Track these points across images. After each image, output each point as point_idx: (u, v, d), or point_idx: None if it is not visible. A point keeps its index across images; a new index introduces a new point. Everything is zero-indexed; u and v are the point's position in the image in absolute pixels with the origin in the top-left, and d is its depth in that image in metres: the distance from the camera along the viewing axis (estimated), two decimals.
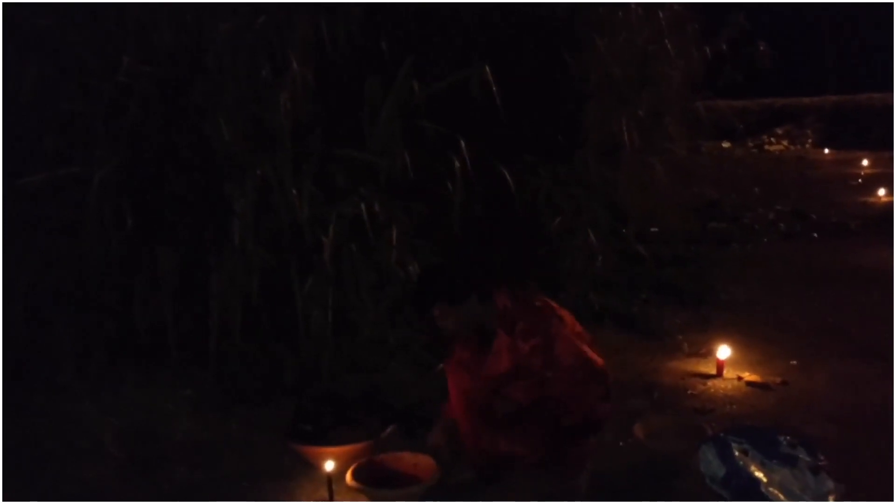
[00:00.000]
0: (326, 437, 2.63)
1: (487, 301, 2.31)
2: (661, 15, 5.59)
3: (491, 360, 2.30)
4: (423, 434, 2.82)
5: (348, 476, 2.39)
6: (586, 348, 2.27)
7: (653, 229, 5.65)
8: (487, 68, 3.75)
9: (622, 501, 2.40)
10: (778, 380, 3.29)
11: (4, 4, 3.07)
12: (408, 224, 3.66)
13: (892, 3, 8.08)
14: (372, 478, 2.40)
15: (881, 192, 7.86)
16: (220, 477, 2.68)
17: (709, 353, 3.57)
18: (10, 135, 3.07)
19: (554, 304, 2.37)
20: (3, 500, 1.98)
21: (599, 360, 2.28)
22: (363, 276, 3.51)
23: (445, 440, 2.47)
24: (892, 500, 1.96)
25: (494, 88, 3.74)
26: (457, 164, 3.72)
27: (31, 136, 3.18)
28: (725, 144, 9.69)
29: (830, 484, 2.12)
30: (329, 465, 2.43)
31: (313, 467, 2.58)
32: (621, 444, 2.69)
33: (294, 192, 3.24)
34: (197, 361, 3.20)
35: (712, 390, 3.25)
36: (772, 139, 12.50)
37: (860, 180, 9.10)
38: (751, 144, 11.78)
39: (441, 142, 3.78)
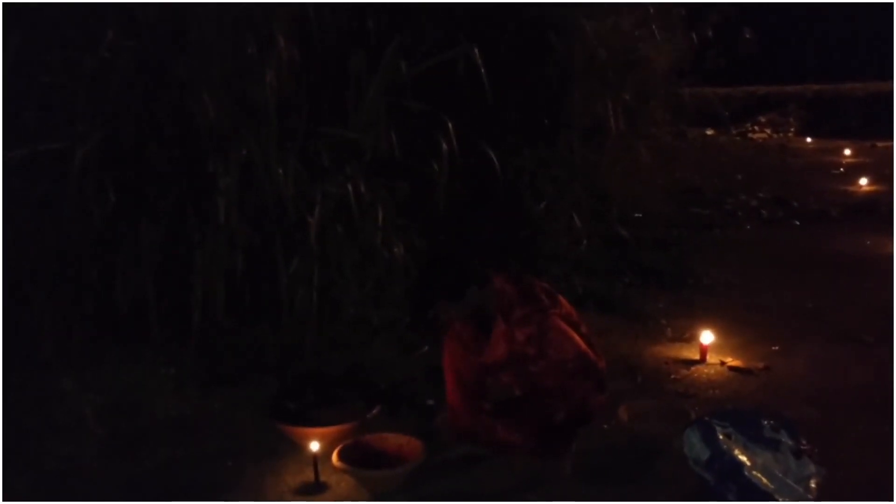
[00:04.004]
0: (311, 417, 2.63)
1: (486, 286, 2.32)
2: None
3: (488, 347, 2.31)
4: (408, 414, 2.83)
5: (334, 456, 2.38)
6: (580, 340, 2.28)
7: (636, 214, 5.66)
8: (475, 49, 3.72)
9: (605, 482, 2.43)
10: (760, 364, 3.32)
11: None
12: (392, 204, 3.64)
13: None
14: (358, 458, 2.40)
15: (862, 181, 7.93)
16: (203, 455, 2.66)
17: (692, 338, 3.59)
18: None
19: (552, 291, 2.37)
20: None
21: (592, 353, 2.29)
22: (347, 255, 3.50)
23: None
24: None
25: (481, 69, 3.72)
26: (442, 144, 3.70)
27: (10, 110, 3.12)
28: (709, 131, 9.71)
29: (812, 467, 2.14)
30: (315, 446, 2.43)
31: (298, 446, 2.57)
32: (605, 426, 2.70)
33: (279, 170, 3.21)
34: (179, 339, 3.17)
35: (695, 374, 3.27)
36: (755, 127, 12.54)
37: (842, 169, 9.17)
38: (734, 132, 11.81)
39: (426, 122, 3.76)
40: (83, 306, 3.21)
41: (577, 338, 2.26)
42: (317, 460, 2.44)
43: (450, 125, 3.71)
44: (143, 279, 3.13)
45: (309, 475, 2.46)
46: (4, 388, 2.88)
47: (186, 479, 2.52)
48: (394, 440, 2.51)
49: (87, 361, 3.08)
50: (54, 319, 3.13)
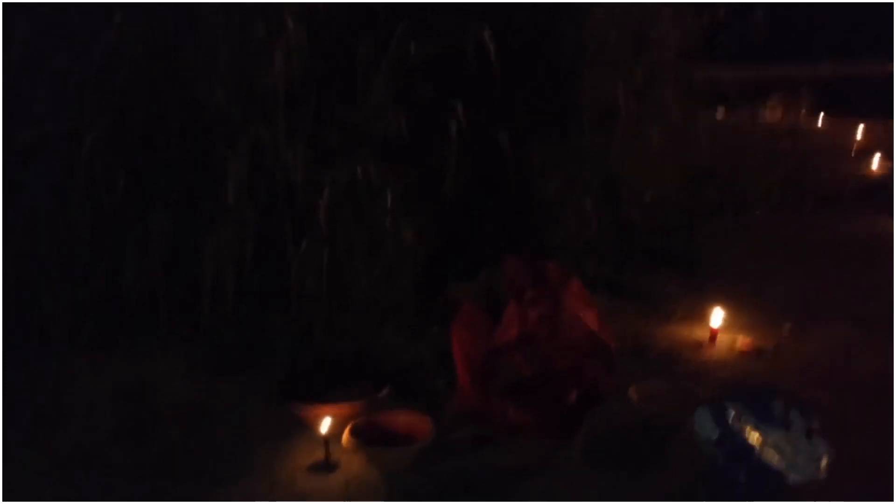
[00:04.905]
0: (322, 398, 2.64)
1: (498, 269, 2.32)
2: None
3: (500, 329, 2.31)
4: (417, 395, 2.84)
5: (345, 435, 2.40)
6: (592, 321, 2.28)
7: (646, 197, 5.63)
8: (485, 32, 3.70)
9: (615, 462, 2.43)
10: (770, 346, 3.31)
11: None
12: (401, 189, 3.64)
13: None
14: (369, 437, 2.42)
15: (875, 162, 7.86)
16: (214, 438, 2.68)
17: (702, 320, 3.58)
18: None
19: (564, 272, 2.37)
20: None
21: (605, 333, 2.29)
22: (356, 240, 3.50)
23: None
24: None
25: (491, 52, 3.70)
26: (451, 129, 3.68)
27: (19, 94, 3.13)
28: (720, 113, 9.63)
29: (823, 447, 2.14)
30: (325, 425, 2.44)
31: (309, 428, 2.58)
32: (615, 407, 2.70)
33: (288, 154, 3.21)
34: (189, 324, 3.19)
35: (705, 356, 3.26)
36: (767, 108, 12.43)
37: (854, 150, 9.09)
38: (745, 113, 11.73)
39: (435, 106, 3.75)
40: (93, 292, 3.23)
41: (589, 318, 2.26)
42: (327, 439, 2.45)
43: (459, 109, 3.70)
44: (153, 265, 3.14)
45: (319, 455, 2.48)
46: (16, 373, 2.91)
47: (198, 462, 2.54)
48: (404, 419, 2.52)
49: (97, 346, 3.11)
50: (64, 305, 3.15)
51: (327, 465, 2.45)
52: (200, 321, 3.13)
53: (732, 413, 2.24)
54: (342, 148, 3.51)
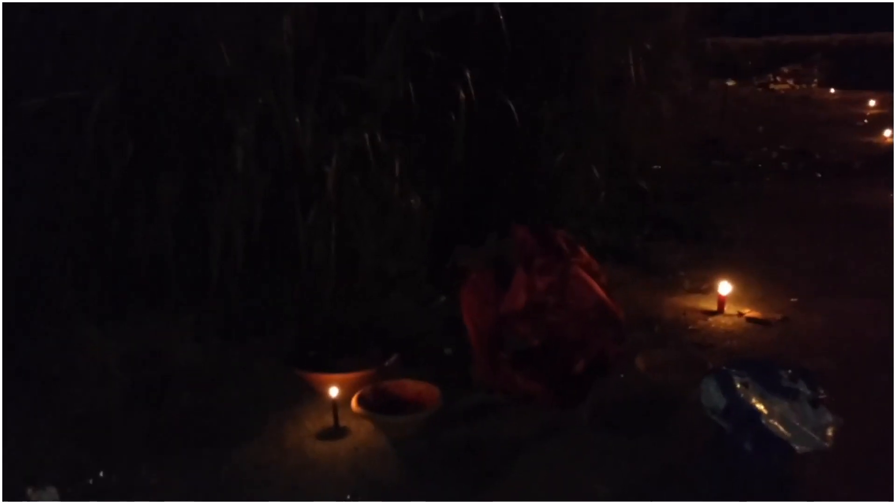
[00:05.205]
0: (330, 364, 2.66)
1: (506, 236, 2.31)
2: None
3: (508, 297, 2.31)
4: (425, 363, 2.86)
5: (353, 402, 2.42)
6: (600, 290, 2.28)
7: (655, 166, 5.60)
8: None
9: (622, 431, 2.45)
10: (778, 316, 3.31)
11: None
12: (410, 155, 3.62)
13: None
14: (377, 404, 2.43)
15: (887, 132, 7.79)
16: (224, 402, 2.71)
17: (710, 289, 3.58)
18: (6, 56, 3.00)
19: (573, 240, 2.37)
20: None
21: (613, 302, 2.29)
22: (364, 206, 3.49)
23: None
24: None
25: (501, 18, 3.66)
26: (460, 94, 3.66)
27: (27, 57, 3.11)
28: (731, 82, 9.55)
29: (829, 417, 2.14)
30: (334, 392, 2.46)
31: (318, 393, 2.61)
32: (622, 375, 2.71)
33: (296, 119, 3.19)
34: (199, 289, 3.20)
35: (713, 325, 3.27)
36: (777, 78, 12.32)
37: (866, 121, 9.01)
38: (756, 83, 11.62)
39: (444, 72, 3.71)
40: (103, 256, 3.24)
41: (597, 287, 2.26)
42: (336, 406, 2.47)
43: (468, 75, 3.67)
44: (162, 229, 3.15)
45: (328, 421, 2.50)
46: (27, 338, 2.93)
47: (208, 426, 2.56)
48: (412, 386, 2.54)
49: (108, 310, 3.12)
50: (75, 269, 3.16)
51: (336, 431, 2.47)
52: (209, 287, 3.14)
53: (739, 382, 2.24)
54: (350, 114, 3.49)
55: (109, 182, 3.12)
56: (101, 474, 2.27)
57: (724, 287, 3.42)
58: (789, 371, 2.27)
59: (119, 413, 2.63)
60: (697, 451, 2.34)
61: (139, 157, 3.16)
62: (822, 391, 2.21)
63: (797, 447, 2.10)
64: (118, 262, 3.25)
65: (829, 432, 2.12)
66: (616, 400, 2.60)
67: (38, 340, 3.00)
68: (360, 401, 2.43)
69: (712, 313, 3.38)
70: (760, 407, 2.17)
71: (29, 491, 2.12)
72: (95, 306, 3.14)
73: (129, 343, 3.00)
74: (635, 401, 2.61)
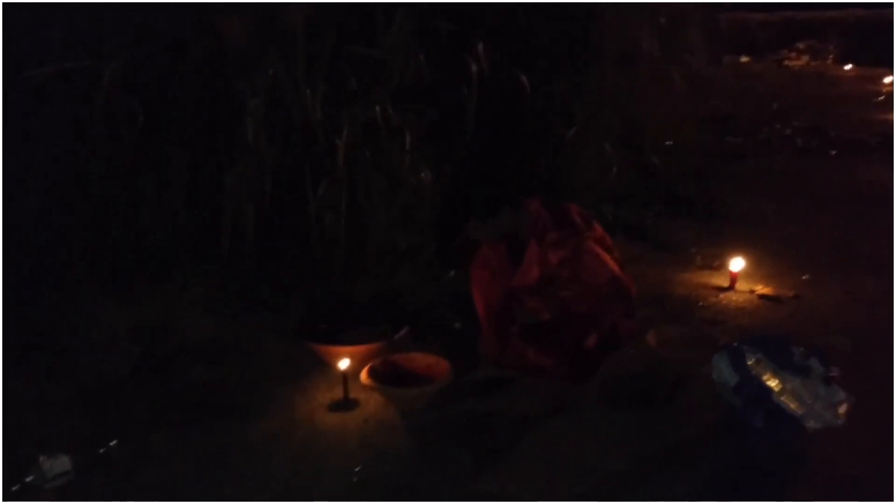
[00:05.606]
0: (340, 337, 2.66)
1: (519, 210, 2.29)
2: None
3: (520, 271, 2.29)
4: (434, 337, 2.85)
5: (363, 374, 2.42)
6: (613, 265, 2.26)
7: (668, 142, 5.56)
8: None
9: (632, 407, 2.44)
10: (790, 293, 3.29)
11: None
12: (420, 129, 3.59)
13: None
14: (386, 376, 2.44)
15: None
16: (235, 374, 2.72)
17: (721, 266, 3.56)
18: (16, 25, 2.98)
19: (587, 215, 2.34)
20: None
21: (626, 277, 2.27)
22: (375, 180, 3.47)
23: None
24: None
25: None
26: (472, 67, 3.62)
27: (35, 26, 3.08)
28: (744, 58, 9.44)
29: (842, 394, 2.13)
30: (344, 364, 2.46)
31: (327, 366, 2.61)
32: (632, 351, 2.70)
33: (307, 91, 3.16)
34: (209, 261, 3.19)
35: (724, 302, 3.25)
36: (792, 54, 12.17)
37: (882, 97, 8.90)
38: (771, 59, 11.48)
39: (455, 44, 3.67)
40: (114, 228, 3.24)
41: (610, 262, 2.25)
42: (346, 378, 2.48)
43: (480, 47, 3.62)
44: (173, 201, 3.14)
45: (338, 393, 2.51)
46: (38, 308, 2.94)
47: (218, 398, 2.57)
48: (422, 360, 2.54)
49: (118, 282, 3.12)
50: (85, 241, 3.16)
51: (346, 403, 2.48)
52: (220, 259, 3.14)
53: (751, 359, 2.23)
54: (361, 87, 3.46)
55: (120, 153, 3.11)
56: (113, 443, 2.28)
57: (736, 263, 3.40)
58: (802, 348, 2.25)
59: (129, 384, 2.64)
60: (707, 427, 2.33)
61: (149, 128, 3.15)
62: (834, 369, 2.19)
63: (809, 424, 2.09)
64: (129, 234, 3.25)
65: (842, 410, 2.11)
66: (625, 376, 2.60)
67: (48, 311, 3.00)
68: (371, 373, 2.43)
69: (724, 290, 3.36)
70: (772, 384, 2.16)
71: (41, 458, 2.13)
72: (106, 278, 3.15)
73: (139, 315, 3.00)
74: (645, 377, 2.61)
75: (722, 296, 3.31)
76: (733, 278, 3.38)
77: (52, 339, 2.84)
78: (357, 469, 2.16)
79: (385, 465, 2.19)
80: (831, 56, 12.25)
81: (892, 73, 10.14)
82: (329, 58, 3.30)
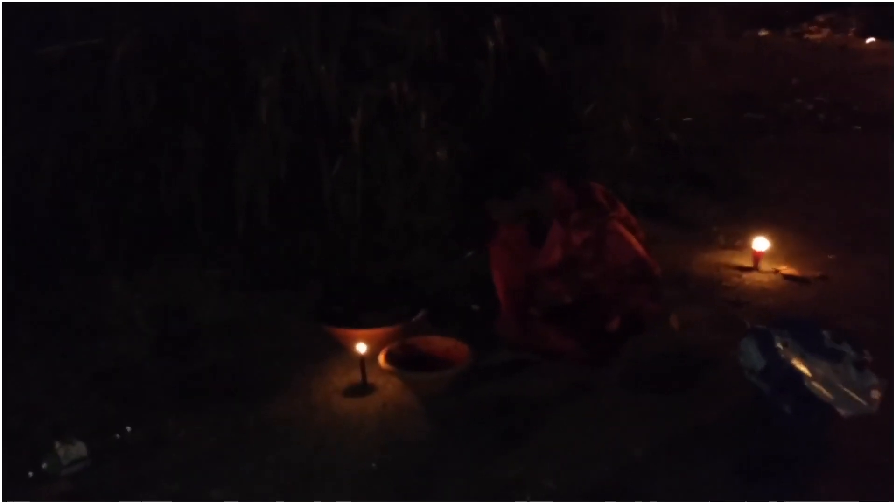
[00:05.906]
0: (357, 320, 2.62)
1: (541, 189, 2.24)
2: None
3: (542, 252, 2.24)
4: (452, 320, 2.81)
5: (381, 358, 2.38)
6: (638, 245, 2.20)
7: (687, 118, 5.46)
8: None
9: (654, 390, 2.40)
10: (816, 273, 3.22)
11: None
12: (436, 106, 3.53)
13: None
14: (405, 360, 2.40)
15: None
16: (251, 356, 2.69)
17: (744, 245, 3.49)
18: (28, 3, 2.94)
19: (611, 194, 2.29)
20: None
21: (650, 258, 2.22)
22: (390, 160, 3.42)
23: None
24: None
25: None
26: (489, 43, 3.55)
27: (47, 4, 3.04)
28: (764, 32, 9.27)
29: (875, 379, 2.07)
30: (362, 348, 2.43)
31: (344, 349, 2.57)
32: (655, 334, 2.64)
33: (321, 68, 3.11)
34: (224, 242, 3.17)
35: (748, 283, 3.18)
36: (812, 27, 11.93)
37: None
38: (790, 32, 11.28)
39: (472, 19, 3.60)
40: (129, 209, 3.21)
41: (635, 242, 2.19)
42: (364, 362, 2.44)
43: (496, 23, 3.55)
44: (187, 182, 3.11)
45: (356, 377, 2.47)
46: (54, 289, 2.92)
47: (236, 380, 2.55)
48: (440, 343, 2.50)
49: (134, 263, 3.10)
50: (101, 221, 3.13)
51: (364, 388, 2.45)
52: (235, 238, 3.11)
53: (780, 342, 2.17)
54: (376, 64, 3.40)
55: (134, 133, 3.08)
56: (128, 429, 2.26)
57: (760, 243, 3.33)
58: (832, 331, 2.19)
59: (146, 366, 2.63)
60: (732, 412, 2.28)
61: (163, 107, 3.11)
62: (867, 353, 2.13)
63: (841, 411, 2.03)
64: (144, 215, 3.23)
65: (875, 395, 2.05)
66: (647, 359, 2.54)
67: (64, 291, 2.99)
68: (389, 357, 2.40)
69: (747, 270, 3.29)
70: (802, 368, 2.10)
71: (56, 444, 2.11)
72: (122, 259, 3.13)
73: (156, 296, 2.98)
74: (667, 360, 2.55)
75: (745, 276, 3.24)
76: (757, 258, 3.31)
77: (68, 322, 2.82)
78: (376, 455, 2.13)
79: (404, 450, 2.16)
80: (853, 29, 12.01)
81: None
82: (344, 35, 3.24)
